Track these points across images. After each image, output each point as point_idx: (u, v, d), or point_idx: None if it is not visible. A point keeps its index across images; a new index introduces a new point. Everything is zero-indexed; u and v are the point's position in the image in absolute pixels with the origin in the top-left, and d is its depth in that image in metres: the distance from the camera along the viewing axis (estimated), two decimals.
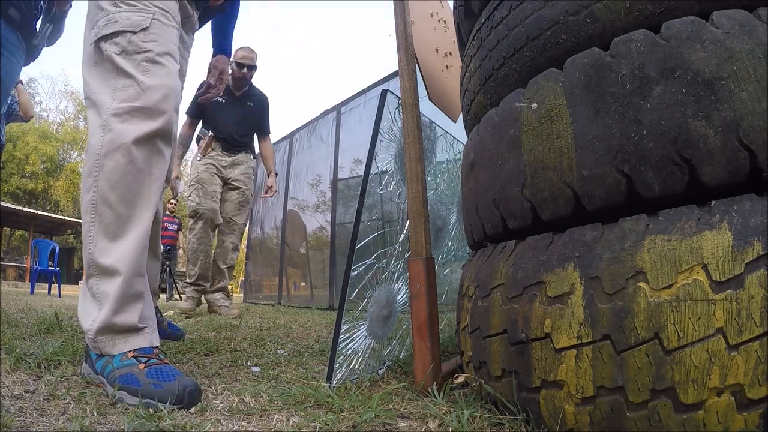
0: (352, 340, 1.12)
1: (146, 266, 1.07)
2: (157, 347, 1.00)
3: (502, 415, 0.74)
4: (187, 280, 3.14)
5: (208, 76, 1.62)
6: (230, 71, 3.08)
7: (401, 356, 1.28)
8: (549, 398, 0.66)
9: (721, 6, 0.65)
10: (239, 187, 3.24)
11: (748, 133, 0.57)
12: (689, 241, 0.56)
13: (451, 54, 1.59)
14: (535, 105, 0.76)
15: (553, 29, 0.79)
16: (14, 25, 1.39)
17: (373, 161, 1.13)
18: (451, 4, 1.62)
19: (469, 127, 1.11)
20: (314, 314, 3.57)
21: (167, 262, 7.07)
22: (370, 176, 1.11)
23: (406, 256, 1.19)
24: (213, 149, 3.14)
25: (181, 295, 7.59)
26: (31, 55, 1.51)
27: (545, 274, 0.68)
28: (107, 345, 0.96)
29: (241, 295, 8.38)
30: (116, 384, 0.88)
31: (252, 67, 3.15)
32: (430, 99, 1.39)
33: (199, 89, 2.71)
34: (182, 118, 3.14)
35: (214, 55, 1.62)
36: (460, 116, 1.25)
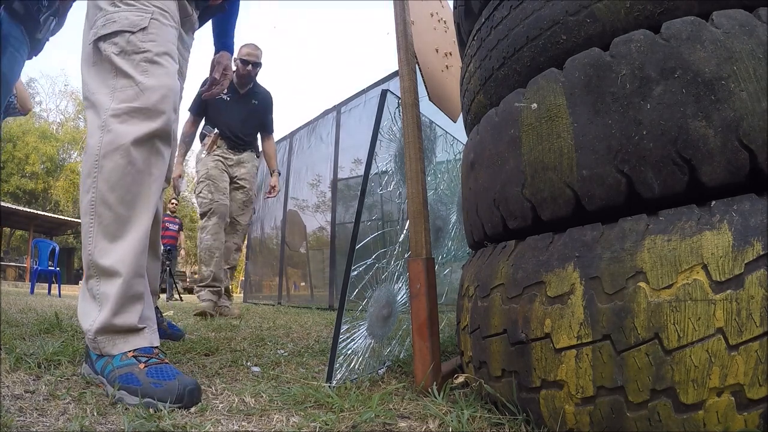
0: (352, 340, 1.12)
1: (146, 266, 1.07)
2: (157, 347, 1.00)
3: (502, 415, 0.74)
4: (201, 283, 3.02)
5: (211, 72, 1.61)
6: (234, 68, 3.06)
7: (401, 356, 1.28)
8: (549, 398, 0.66)
9: (721, 6, 0.65)
10: (244, 187, 3.20)
11: (748, 133, 0.57)
12: (689, 241, 0.56)
13: (451, 54, 1.59)
14: (535, 105, 0.76)
15: (553, 29, 0.79)
16: (18, 19, 1.38)
17: (373, 161, 1.13)
18: (451, 4, 1.62)
19: (469, 127, 1.11)
20: (314, 314, 3.57)
21: (167, 262, 7.07)
22: (370, 176, 1.11)
23: (406, 256, 1.19)
24: (218, 147, 3.10)
25: (181, 296, 7.61)
26: (35, 48, 1.50)
27: (545, 274, 0.68)
28: (107, 345, 0.96)
29: (241, 295, 8.38)
30: (116, 384, 0.88)
31: (257, 64, 3.11)
32: (430, 99, 1.39)
33: (202, 86, 2.70)
34: (184, 117, 3.12)
35: (216, 53, 1.62)
36: (460, 116, 1.25)
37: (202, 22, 1.41)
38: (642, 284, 0.58)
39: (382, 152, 1.22)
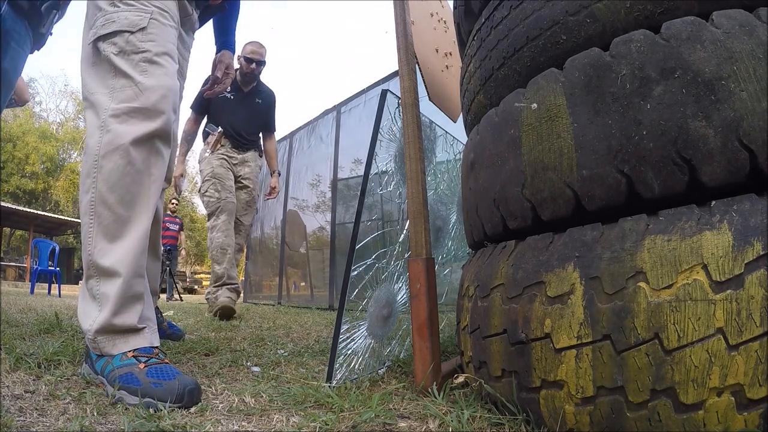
0: (352, 340, 1.12)
1: (147, 266, 1.07)
2: (157, 347, 1.00)
3: (502, 415, 0.74)
4: (216, 283, 2.92)
5: (213, 71, 1.61)
6: (238, 66, 3.02)
7: (401, 356, 1.28)
8: (549, 398, 0.66)
9: (721, 6, 0.65)
10: (247, 186, 3.16)
11: (748, 133, 0.57)
12: (689, 241, 0.56)
13: (451, 54, 1.59)
14: (535, 105, 0.76)
15: (553, 29, 0.79)
16: (23, 14, 1.37)
17: (373, 161, 1.13)
18: (451, 4, 1.62)
19: (469, 127, 1.11)
20: (314, 314, 3.57)
21: (167, 263, 7.07)
22: (370, 176, 1.11)
23: (406, 256, 1.19)
24: (222, 146, 3.04)
25: (181, 296, 7.61)
26: (38, 42, 1.49)
27: (545, 274, 0.68)
28: (107, 345, 0.96)
29: (241, 295, 8.38)
30: (116, 384, 0.88)
31: (261, 63, 3.06)
32: (430, 99, 1.39)
33: (204, 84, 2.69)
34: (185, 116, 3.08)
35: (217, 52, 1.62)
36: (460, 116, 1.25)
37: (202, 22, 1.41)
38: (642, 284, 0.58)
39: (382, 152, 1.22)
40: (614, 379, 0.58)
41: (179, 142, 2.94)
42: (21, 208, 14.00)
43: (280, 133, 3.47)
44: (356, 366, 1.09)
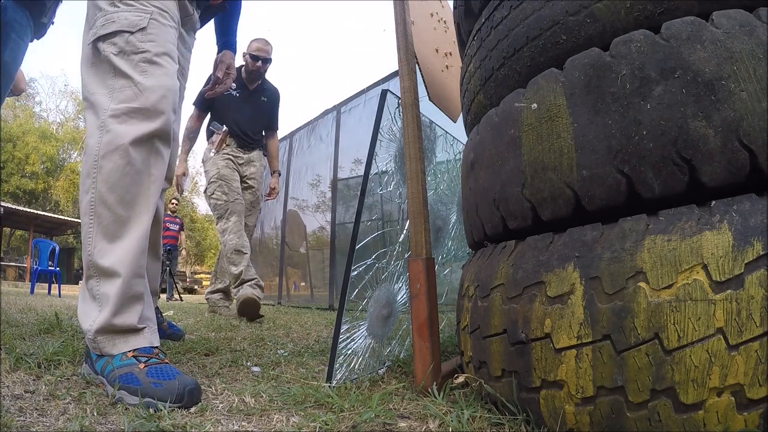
0: (352, 340, 1.12)
1: (147, 266, 1.07)
2: (157, 347, 1.00)
3: (502, 415, 0.74)
4: (236, 283, 2.81)
5: (214, 71, 1.61)
6: (244, 63, 2.97)
7: (401, 356, 1.28)
8: (549, 398, 0.66)
9: (721, 6, 0.65)
10: (252, 187, 3.10)
11: (748, 133, 0.57)
12: (689, 241, 0.56)
13: (451, 54, 1.59)
14: (535, 105, 0.76)
15: (553, 29, 0.79)
16: (23, 4, 1.36)
17: (373, 161, 1.13)
18: (451, 4, 1.62)
19: (469, 127, 1.11)
20: (314, 314, 3.57)
21: (167, 263, 7.07)
22: (370, 176, 1.11)
23: (406, 256, 1.19)
24: (228, 145, 2.98)
25: (181, 296, 7.61)
26: (38, 32, 1.47)
27: (545, 274, 0.68)
28: (107, 345, 0.96)
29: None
30: (116, 384, 0.88)
31: (267, 60, 3.00)
32: (430, 99, 1.39)
33: (205, 84, 2.68)
34: (186, 116, 3.01)
35: (219, 52, 1.62)
36: (460, 116, 1.25)
37: (203, 22, 1.41)
38: (642, 284, 0.58)
39: (382, 152, 1.22)
40: (614, 379, 0.58)
41: (181, 139, 2.92)
42: (21, 208, 14.00)
43: (280, 133, 3.42)
44: (356, 366, 1.09)
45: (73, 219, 14.98)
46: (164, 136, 1.04)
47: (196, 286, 15.94)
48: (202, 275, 18.82)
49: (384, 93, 1.17)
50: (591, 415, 0.61)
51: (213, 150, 2.95)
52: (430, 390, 0.91)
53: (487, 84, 0.95)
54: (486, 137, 0.88)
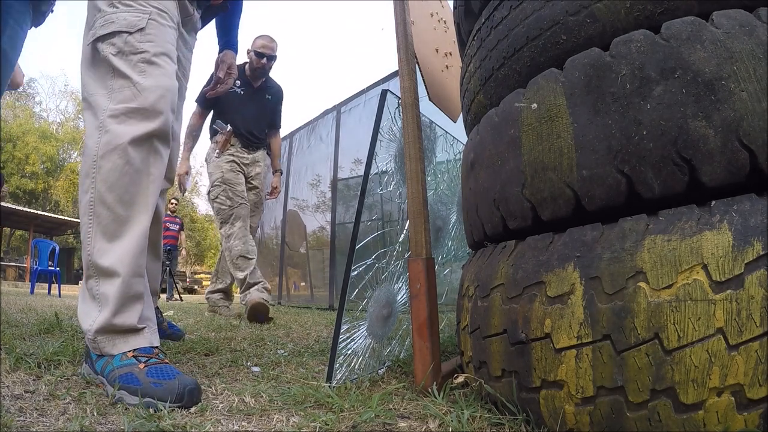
0: (352, 340, 1.12)
1: (147, 266, 1.07)
2: (157, 347, 1.00)
3: (502, 415, 0.74)
4: (243, 288, 2.76)
5: (216, 71, 1.61)
6: (248, 61, 2.93)
7: (401, 356, 1.28)
8: (549, 398, 0.66)
9: (721, 6, 0.65)
10: (256, 187, 3.05)
11: (748, 133, 0.57)
12: (689, 241, 0.56)
13: (451, 54, 1.59)
14: (535, 105, 0.76)
15: (553, 29, 0.79)
16: None
17: (373, 161, 1.13)
18: (451, 4, 1.62)
19: (469, 127, 1.11)
20: (314, 314, 3.57)
21: (167, 263, 7.07)
22: (370, 176, 1.11)
23: (406, 256, 1.19)
24: (232, 145, 2.91)
25: (181, 296, 7.61)
26: (37, 20, 1.44)
27: (545, 274, 0.68)
28: (107, 345, 0.96)
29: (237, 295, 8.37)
30: (116, 384, 0.88)
31: (272, 57, 2.93)
32: (430, 99, 1.39)
33: (206, 85, 2.66)
34: (188, 116, 2.94)
35: (220, 51, 1.62)
36: (460, 116, 1.25)
37: (204, 22, 1.41)
38: (642, 284, 0.58)
39: (382, 152, 1.22)
40: (614, 379, 0.58)
41: (184, 137, 2.88)
42: (21, 208, 14.00)
43: (281, 132, 3.38)
44: (356, 366, 1.09)
45: (73, 219, 14.97)
46: (163, 135, 1.04)
47: (196, 286, 15.93)
48: (202, 275, 18.82)
49: (384, 93, 1.17)
50: (591, 415, 0.61)
51: (217, 150, 2.89)
52: (430, 390, 0.91)
53: (487, 84, 0.95)
54: (486, 137, 0.88)
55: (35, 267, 6.73)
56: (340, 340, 1.04)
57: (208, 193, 2.94)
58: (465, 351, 0.91)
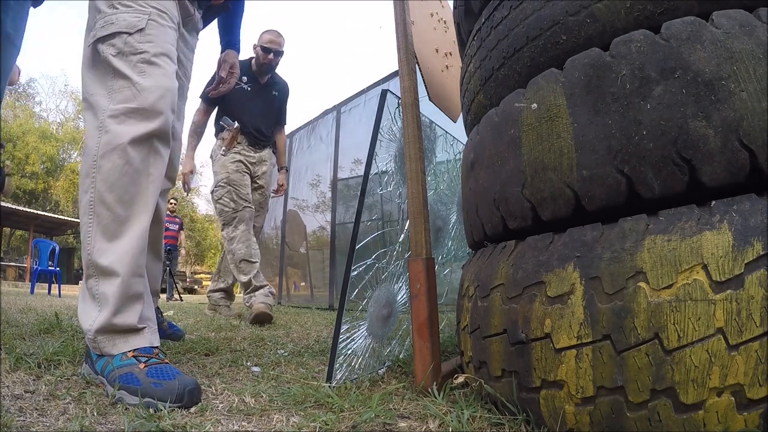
0: (352, 340, 1.12)
1: (148, 266, 1.07)
2: (157, 347, 1.00)
3: (502, 415, 0.74)
4: (247, 290, 2.72)
5: (218, 71, 1.61)
6: (255, 56, 2.88)
7: (401, 356, 1.28)
8: (549, 398, 0.66)
9: (721, 6, 0.65)
10: (262, 187, 2.98)
11: (748, 133, 0.57)
12: (689, 241, 0.56)
13: (451, 54, 1.59)
14: (535, 105, 0.76)
15: (553, 29, 0.79)
16: None
17: (373, 161, 1.13)
18: (451, 4, 1.62)
19: (469, 127, 1.11)
20: (314, 314, 3.57)
21: (167, 263, 7.07)
22: (370, 176, 1.11)
23: (406, 256, 1.19)
24: (239, 143, 2.83)
25: (181, 296, 7.61)
26: (36, 1, 1.43)
27: (545, 274, 0.68)
28: (107, 345, 0.96)
29: (242, 294, 8.37)
30: (116, 384, 0.88)
31: (279, 53, 2.86)
32: (430, 99, 1.39)
33: (208, 85, 2.64)
34: (189, 117, 2.94)
35: (222, 51, 1.62)
36: (460, 116, 1.25)
37: (206, 22, 1.41)
38: (642, 284, 0.58)
39: (382, 152, 1.22)
40: (614, 379, 0.58)
41: (188, 135, 2.81)
42: (21, 208, 14.00)
43: (285, 130, 3.31)
44: (356, 366, 1.09)
45: (73, 219, 14.97)
46: (163, 135, 1.05)
47: (196, 286, 15.93)
48: (202, 275, 18.81)
49: (384, 93, 1.17)
50: (591, 415, 0.61)
51: (223, 147, 2.81)
52: (430, 390, 0.91)
53: (487, 84, 0.95)
54: (486, 137, 0.88)
55: (35, 267, 6.73)
56: (340, 340, 1.04)
57: (212, 192, 2.89)
58: (465, 351, 0.91)
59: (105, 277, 0.98)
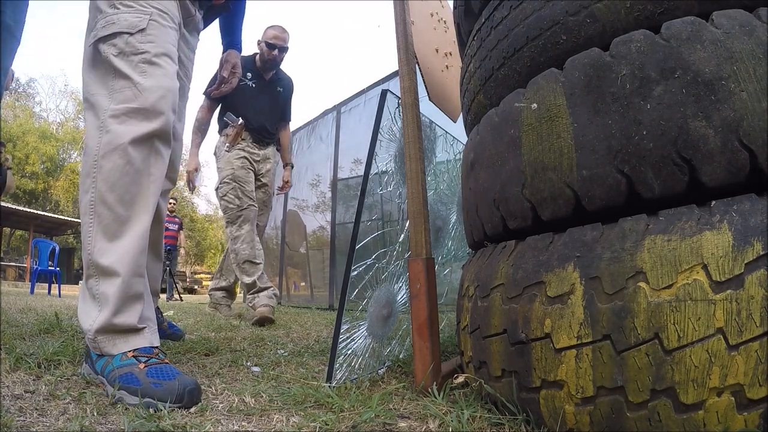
0: (352, 340, 1.12)
1: (148, 266, 1.07)
2: (157, 347, 1.00)
3: (502, 415, 0.74)
4: (251, 291, 2.70)
5: (220, 70, 1.61)
6: (259, 52, 2.85)
7: (401, 356, 1.28)
8: (549, 398, 0.66)
9: (721, 6, 0.65)
10: (266, 185, 2.95)
11: (748, 133, 0.57)
12: (689, 241, 0.56)
13: (451, 54, 1.59)
14: (535, 105, 0.76)
15: (553, 29, 0.79)
16: None
17: (373, 161, 1.13)
18: (451, 4, 1.62)
19: (469, 127, 1.11)
20: (314, 314, 3.57)
21: (167, 263, 7.07)
22: (370, 176, 1.11)
23: (406, 256, 1.19)
24: (243, 139, 2.79)
25: (181, 295, 7.61)
26: None
27: (545, 274, 0.68)
28: (107, 345, 0.96)
29: (241, 294, 8.37)
30: (116, 384, 0.88)
31: (284, 49, 2.81)
32: (430, 99, 1.39)
33: (209, 85, 2.63)
34: (190, 117, 2.92)
35: (224, 51, 1.62)
36: (460, 116, 1.25)
37: (207, 22, 1.41)
38: (642, 284, 0.58)
39: (382, 152, 1.22)
40: (614, 379, 0.58)
41: (191, 132, 2.80)
42: (21, 208, 13.99)
43: (290, 126, 3.28)
44: (356, 366, 1.09)
45: (73, 219, 14.97)
46: (164, 135, 1.05)
47: (196, 286, 15.92)
48: (202, 275, 18.81)
49: (384, 93, 1.17)
50: (591, 415, 0.61)
51: (227, 144, 2.77)
52: (430, 390, 0.91)
53: (487, 84, 0.95)
54: (486, 137, 0.88)
55: (35, 267, 6.73)
56: (340, 340, 1.04)
57: (217, 189, 2.85)
58: (465, 351, 0.91)
59: (105, 277, 0.98)
